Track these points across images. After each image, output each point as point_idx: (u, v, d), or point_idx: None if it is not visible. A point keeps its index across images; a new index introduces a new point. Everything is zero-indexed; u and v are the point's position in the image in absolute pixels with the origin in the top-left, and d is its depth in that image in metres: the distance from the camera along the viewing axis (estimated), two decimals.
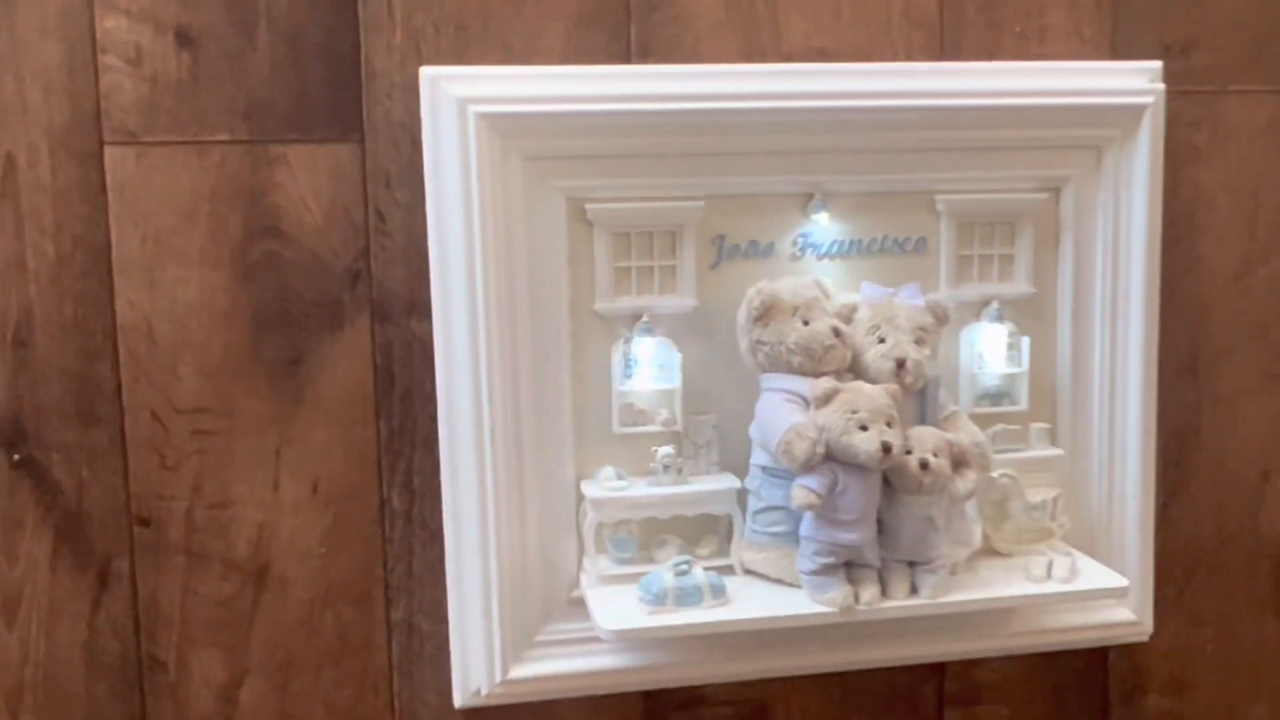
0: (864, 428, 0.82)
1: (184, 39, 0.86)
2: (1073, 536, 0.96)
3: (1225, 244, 1.03)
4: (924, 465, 0.83)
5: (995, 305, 0.95)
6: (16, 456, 0.87)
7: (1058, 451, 0.97)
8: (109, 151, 0.85)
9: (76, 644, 0.89)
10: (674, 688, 0.96)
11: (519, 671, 0.90)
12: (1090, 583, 0.90)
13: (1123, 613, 0.99)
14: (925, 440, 0.84)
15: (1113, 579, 0.91)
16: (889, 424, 0.83)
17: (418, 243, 0.89)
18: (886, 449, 0.81)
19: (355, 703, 0.93)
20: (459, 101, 0.84)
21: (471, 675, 0.91)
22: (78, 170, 0.85)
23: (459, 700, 0.92)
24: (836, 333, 0.87)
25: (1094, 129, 0.95)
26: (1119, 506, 0.99)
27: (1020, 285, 0.96)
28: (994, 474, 0.93)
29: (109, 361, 0.87)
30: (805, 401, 0.85)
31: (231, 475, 0.89)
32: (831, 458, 0.83)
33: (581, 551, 0.91)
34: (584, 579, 0.91)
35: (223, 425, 0.89)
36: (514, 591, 0.89)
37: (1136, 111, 0.94)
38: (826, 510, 0.83)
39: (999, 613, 0.96)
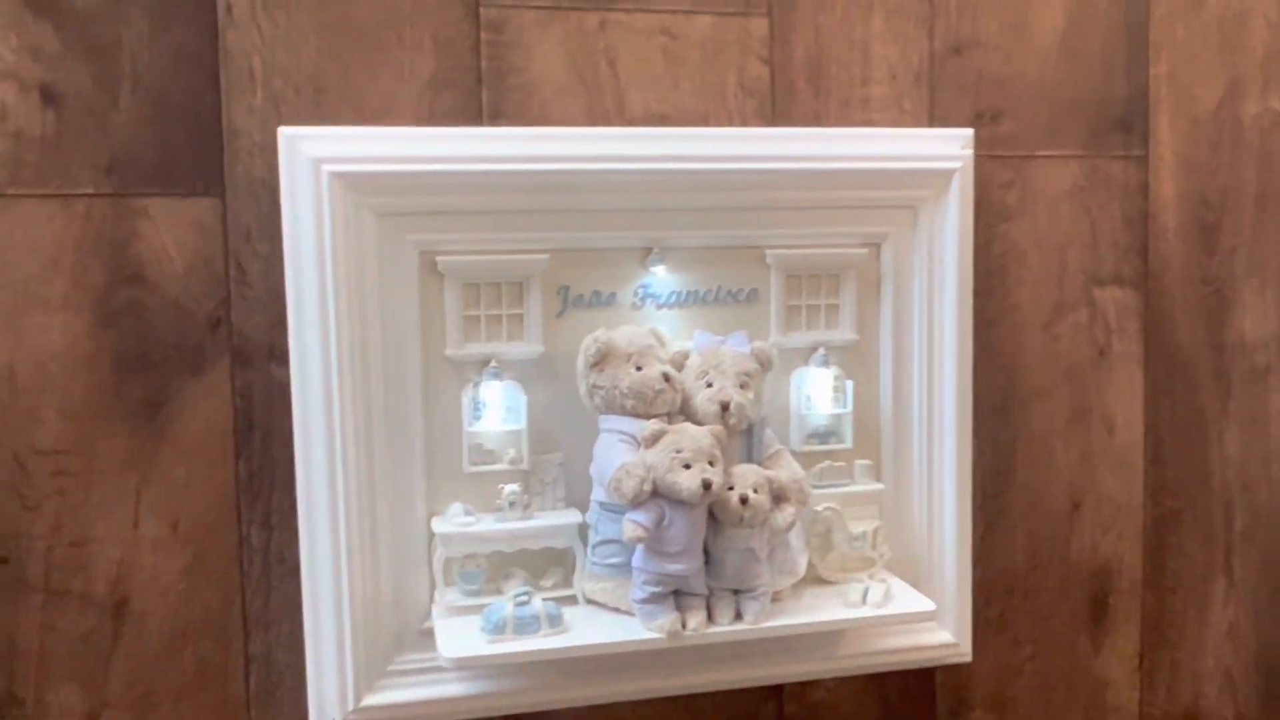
0: (687, 466, 0.89)
1: (49, 97, 0.90)
2: (895, 565, 1.04)
3: (1036, 294, 1.13)
4: (744, 500, 0.90)
5: (822, 351, 1.03)
6: None
7: (880, 486, 1.05)
8: None
9: None
10: (523, 713, 1.01)
11: (372, 700, 0.95)
12: (901, 607, 0.97)
13: (943, 635, 1.07)
14: (746, 477, 0.91)
15: (922, 603, 0.98)
16: (711, 463, 0.90)
17: (277, 292, 0.93)
18: (707, 486, 0.88)
19: None
20: (314, 161, 0.90)
21: (326, 704, 0.95)
22: None
23: None
24: (666, 378, 0.93)
25: (910, 190, 1.03)
26: (938, 537, 1.07)
27: (845, 333, 1.04)
28: (818, 507, 1.00)
29: None
30: (637, 442, 0.91)
31: (91, 514, 0.93)
32: (659, 494, 0.89)
33: (433, 584, 0.96)
34: (435, 610, 0.95)
35: (83, 466, 0.92)
36: (367, 623, 0.94)
37: (947, 175, 1.03)
38: (654, 543, 0.89)
39: (829, 636, 1.03)
